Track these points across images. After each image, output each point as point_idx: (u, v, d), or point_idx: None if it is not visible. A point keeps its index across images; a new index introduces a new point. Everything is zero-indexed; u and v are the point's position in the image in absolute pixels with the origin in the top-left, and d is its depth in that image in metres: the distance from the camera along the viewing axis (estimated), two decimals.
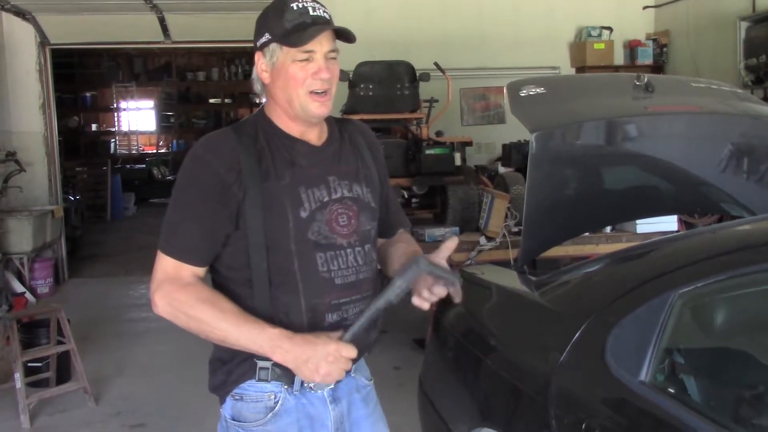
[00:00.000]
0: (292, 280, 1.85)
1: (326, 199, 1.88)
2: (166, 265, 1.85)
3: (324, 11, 1.86)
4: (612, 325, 2.02)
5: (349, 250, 1.90)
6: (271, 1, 1.91)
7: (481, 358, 2.64)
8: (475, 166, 6.71)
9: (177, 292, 1.81)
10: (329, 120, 2.02)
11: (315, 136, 1.95)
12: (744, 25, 7.18)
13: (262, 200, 1.82)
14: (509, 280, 2.85)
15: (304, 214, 1.85)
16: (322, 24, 1.82)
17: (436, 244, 3.48)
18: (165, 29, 8.06)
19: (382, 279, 2.06)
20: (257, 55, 1.90)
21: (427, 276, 1.79)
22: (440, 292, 1.81)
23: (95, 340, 6.02)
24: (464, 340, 2.81)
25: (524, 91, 2.96)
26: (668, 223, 5.38)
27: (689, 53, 8.39)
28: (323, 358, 1.72)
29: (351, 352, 1.74)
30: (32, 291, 7.68)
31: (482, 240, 5.31)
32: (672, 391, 1.84)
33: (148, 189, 16.49)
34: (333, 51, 1.87)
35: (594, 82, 3.63)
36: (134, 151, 18.04)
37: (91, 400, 4.83)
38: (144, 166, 17.03)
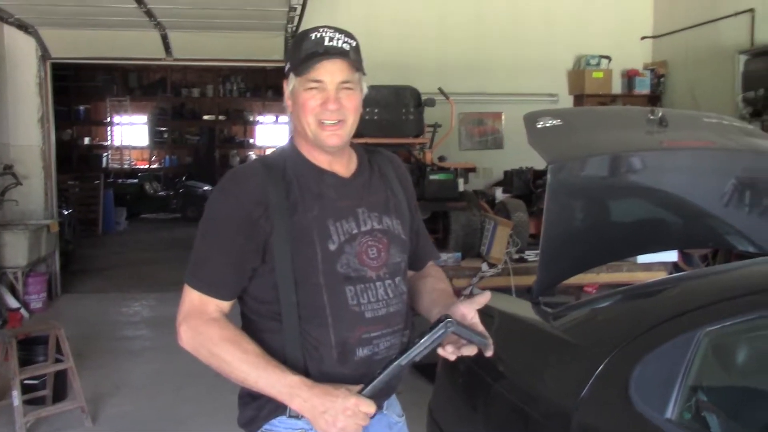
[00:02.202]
0: (321, 314, 1.83)
1: (355, 231, 1.87)
2: (192, 298, 1.84)
3: (344, 42, 1.85)
4: (636, 360, 2.03)
5: (378, 283, 1.89)
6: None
7: (494, 388, 2.64)
8: (474, 191, 6.75)
9: (201, 327, 1.80)
10: (359, 150, 2.02)
11: (343, 167, 1.94)
12: (742, 58, 7.29)
13: (290, 234, 1.82)
14: (523, 309, 2.86)
15: (332, 247, 1.84)
16: (333, 54, 1.83)
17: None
18: (167, 46, 8.08)
19: (413, 313, 2.06)
20: (284, 84, 1.93)
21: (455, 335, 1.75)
22: (469, 352, 1.77)
23: (91, 358, 5.96)
24: (477, 369, 2.81)
25: (541, 123, 2.97)
26: (668, 254, 5.44)
27: (687, 84, 8.50)
28: (341, 412, 1.68)
29: (370, 407, 1.70)
30: (25, 306, 7.61)
31: (484, 266, 5.34)
32: (698, 429, 1.85)
33: (140, 204, 16.49)
34: (347, 82, 1.86)
35: (609, 115, 3.66)
36: (126, 166, 18.01)
37: (88, 419, 4.78)
38: (136, 180, 17.00)
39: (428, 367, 3.23)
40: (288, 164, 1.90)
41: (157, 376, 5.72)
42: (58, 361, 4.92)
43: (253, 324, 1.89)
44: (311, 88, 1.84)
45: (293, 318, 1.83)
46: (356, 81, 1.88)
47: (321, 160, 1.92)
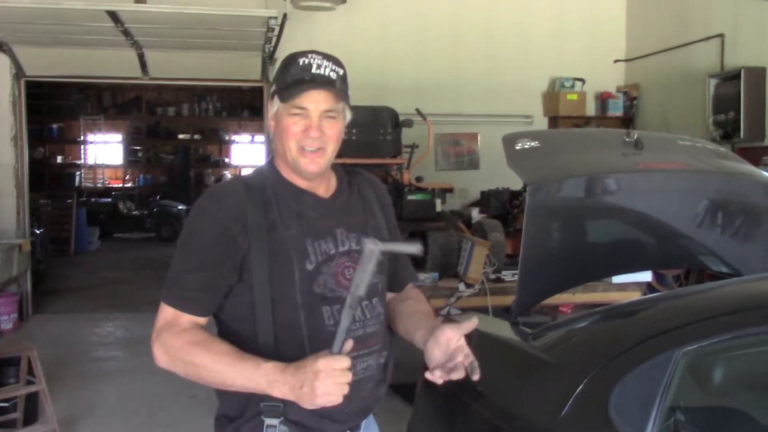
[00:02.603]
0: (298, 334, 1.83)
1: (333, 251, 1.88)
2: (166, 314, 1.83)
3: (332, 70, 1.86)
4: (615, 380, 2.04)
5: None
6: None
7: (474, 408, 2.64)
8: (450, 211, 6.77)
9: (172, 339, 1.78)
10: (339, 171, 2.03)
11: (322, 187, 1.95)
12: (713, 81, 7.42)
13: (269, 251, 1.81)
14: (502, 329, 2.87)
15: (310, 267, 1.84)
16: (320, 83, 1.83)
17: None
18: (144, 65, 8.05)
19: (391, 334, 2.06)
20: (269, 104, 1.95)
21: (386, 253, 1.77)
22: (457, 375, 1.77)
23: (63, 379, 5.87)
24: (456, 390, 2.81)
25: (519, 144, 3.01)
26: (642, 274, 5.49)
27: (659, 107, 8.65)
28: (315, 378, 1.64)
29: (342, 362, 1.66)
30: None
31: (461, 286, 5.35)
32: None
33: (114, 223, 16.34)
34: (331, 111, 1.87)
35: (586, 137, 3.72)
36: (100, 185, 17.85)
37: None
38: (110, 200, 16.83)
39: (406, 388, 3.23)
40: (267, 183, 1.91)
41: (130, 398, 5.65)
42: (29, 382, 4.83)
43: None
44: (295, 114, 1.85)
45: (269, 338, 1.82)
46: (340, 110, 1.89)
47: (299, 180, 1.92)
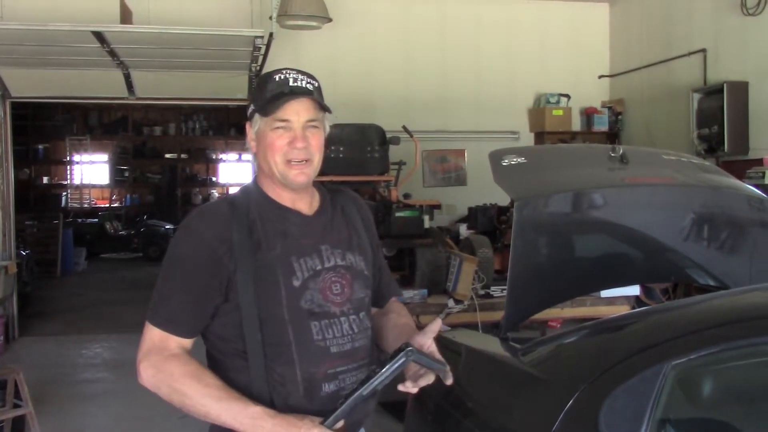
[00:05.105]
0: (287, 350, 1.85)
1: (319, 267, 1.91)
2: (153, 335, 1.85)
3: (308, 82, 1.92)
4: (605, 395, 2.05)
5: (343, 318, 1.92)
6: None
7: (464, 425, 2.63)
8: (438, 228, 6.79)
9: (162, 363, 1.80)
10: (321, 190, 2.06)
11: (306, 205, 1.98)
12: (696, 96, 7.49)
13: (254, 271, 1.84)
14: (491, 345, 2.88)
15: (296, 283, 1.87)
16: (299, 94, 1.88)
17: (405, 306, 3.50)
18: (130, 85, 8.04)
19: (378, 349, 2.07)
20: (247, 126, 1.98)
21: (416, 364, 1.79)
22: (426, 381, 1.80)
23: (50, 402, 5.80)
24: (446, 407, 2.80)
25: (506, 161, 3.02)
26: (630, 288, 5.52)
27: (643, 121, 8.72)
28: None
29: None
30: None
31: (450, 302, 5.36)
32: None
33: (100, 244, 16.23)
34: (313, 120, 1.91)
35: (571, 152, 3.74)
36: (86, 205, 17.75)
37: None
38: (96, 220, 16.73)
39: (396, 405, 3.23)
40: (252, 203, 1.94)
41: (119, 420, 5.59)
42: (16, 406, 4.78)
43: (218, 363, 1.90)
44: (278, 128, 1.88)
45: (258, 355, 1.84)
46: (321, 120, 1.94)
47: (284, 198, 1.95)
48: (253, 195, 1.96)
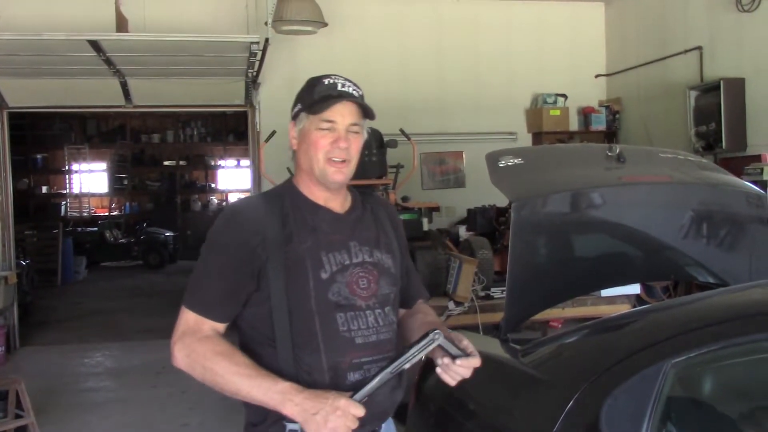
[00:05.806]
0: (314, 340, 1.95)
1: (347, 262, 2.01)
2: (188, 318, 1.97)
3: (354, 89, 2.04)
4: (606, 394, 2.06)
5: (368, 312, 2.01)
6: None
7: (466, 427, 2.64)
8: (438, 230, 6.79)
9: (195, 344, 1.91)
10: (353, 192, 2.17)
11: (338, 204, 2.09)
12: (693, 93, 7.48)
13: (284, 262, 1.95)
14: (491, 347, 2.88)
15: (324, 276, 1.97)
16: (347, 97, 2.01)
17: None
18: (127, 93, 8.04)
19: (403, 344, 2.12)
20: (290, 125, 2.10)
21: (441, 350, 1.86)
22: (464, 372, 1.89)
23: (52, 412, 5.80)
24: (448, 409, 2.80)
25: (503, 162, 3.03)
26: (631, 287, 5.51)
27: (641, 120, 8.71)
28: (332, 412, 1.76)
29: (359, 410, 1.78)
30: None
31: (450, 304, 5.35)
32: None
33: (101, 252, 16.23)
34: (355, 125, 2.03)
35: (568, 152, 3.75)
36: (86, 214, 17.75)
37: None
38: (96, 228, 16.72)
39: (399, 408, 3.22)
40: (287, 199, 2.06)
41: (121, 429, 5.56)
42: (18, 416, 4.79)
43: (249, 352, 1.98)
44: (323, 129, 2.00)
45: (287, 344, 1.95)
46: (362, 126, 2.06)
47: (318, 196, 2.06)
48: (288, 192, 2.08)
